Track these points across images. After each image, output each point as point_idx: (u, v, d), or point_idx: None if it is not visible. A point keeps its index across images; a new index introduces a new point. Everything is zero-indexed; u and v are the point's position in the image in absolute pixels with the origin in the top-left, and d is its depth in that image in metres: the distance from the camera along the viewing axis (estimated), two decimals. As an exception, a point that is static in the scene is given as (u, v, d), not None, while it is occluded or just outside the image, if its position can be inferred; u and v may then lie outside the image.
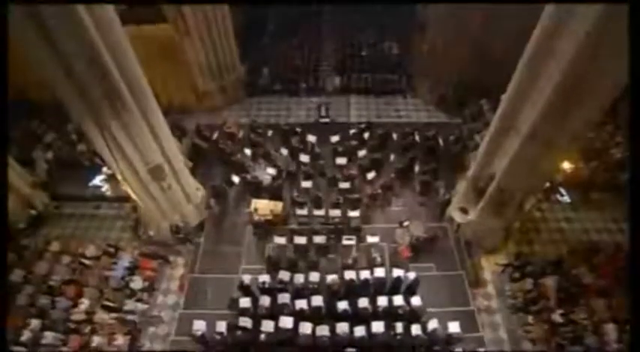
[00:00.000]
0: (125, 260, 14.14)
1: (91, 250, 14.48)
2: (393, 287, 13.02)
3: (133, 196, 13.11)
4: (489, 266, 14.16)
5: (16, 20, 7.93)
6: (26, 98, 18.48)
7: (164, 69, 17.34)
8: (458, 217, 14.44)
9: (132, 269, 14.02)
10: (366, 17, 25.50)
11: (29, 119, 18.52)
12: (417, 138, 17.78)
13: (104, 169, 14.74)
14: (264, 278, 13.04)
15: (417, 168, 16.58)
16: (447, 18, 16.60)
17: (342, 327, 11.83)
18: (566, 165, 14.01)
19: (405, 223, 14.66)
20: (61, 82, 9.23)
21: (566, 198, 16.07)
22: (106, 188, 15.71)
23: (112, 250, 14.53)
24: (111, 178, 14.99)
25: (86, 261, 14.23)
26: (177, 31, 16.40)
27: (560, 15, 8.44)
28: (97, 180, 16.12)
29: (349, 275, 13.02)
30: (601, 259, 13.65)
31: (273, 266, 13.77)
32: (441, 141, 17.71)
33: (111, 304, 13.09)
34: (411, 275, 12.88)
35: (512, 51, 10.55)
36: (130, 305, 13.21)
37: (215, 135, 18.20)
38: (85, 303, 13.07)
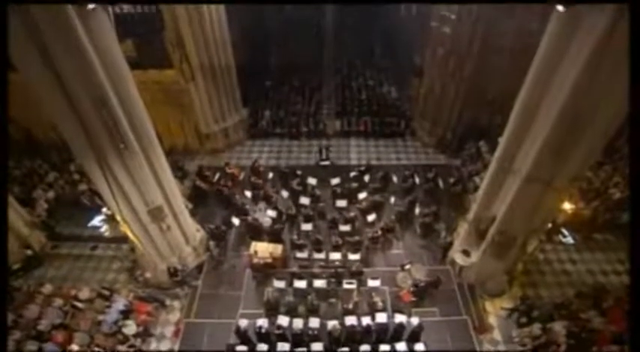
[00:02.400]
0: (120, 303, 13.72)
1: (84, 293, 14.09)
2: (396, 333, 12.58)
3: (132, 237, 12.97)
4: (494, 311, 13.74)
5: (27, 60, 8.27)
6: (32, 138, 18.89)
7: (168, 111, 17.84)
8: (460, 260, 14.21)
9: (126, 313, 13.55)
10: (365, 61, 26.52)
11: (33, 159, 18.77)
12: (416, 180, 17.92)
13: (104, 210, 14.70)
14: (262, 322, 12.63)
15: (417, 211, 16.56)
16: (443, 61, 17.26)
17: (344, 376, 11.32)
18: (567, 206, 13.98)
19: (407, 266, 14.42)
20: (66, 122, 9.44)
21: (569, 240, 15.91)
22: (104, 228, 15.61)
23: (106, 293, 14.14)
24: (110, 219, 14.91)
25: (79, 304, 13.79)
26: (182, 76, 17.00)
27: (554, 56, 8.79)
28: (96, 221, 16.05)
29: (350, 320, 12.66)
30: (610, 303, 13.26)
31: (271, 311, 13.39)
32: (440, 183, 17.85)
33: (101, 350, 12.55)
34: (414, 320, 12.49)
35: (508, 93, 10.89)
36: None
37: (216, 177, 18.31)
38: (74, 349, 12.52)
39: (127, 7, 14.39)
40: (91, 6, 8.30)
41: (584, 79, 8.13)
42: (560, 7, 8.03)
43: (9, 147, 11.29)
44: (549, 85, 9.18)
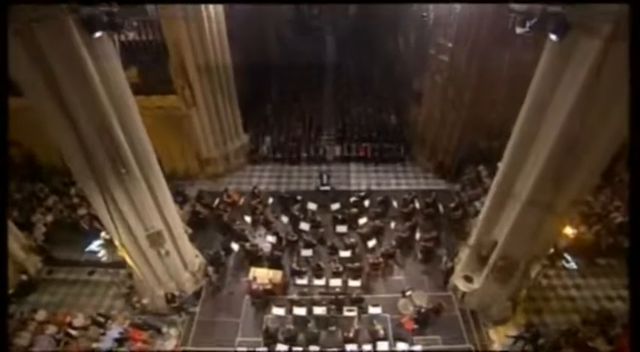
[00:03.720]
0: (115, 330, 13.39)
1: (79, 319, 13.79)
2: (398, 362, 12.26)
3: (130, 262, 12.83)
4: (499, 339, 13.38)
5: (33, 84, 8.44)
6: (34, 162, 19.02)
7: (169, 136, 18.00)
8: (462, 286, 14.01)
9: (121, 341, 13.23)
10: (364, 88, 26.96)
11: (33, 182, 18.81)
12: (417, 205, 17.88)
13: (103, 234, 14.58)
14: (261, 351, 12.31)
15: (418, 236, 16.45)
16: (442, 88, 17.57)
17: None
18: (569, 231, 13.90)
19: (408, 293, 14.20)
20: (69, 146, 9.52)
21: (573, 265, 15.72)
22: (102, 253, 15.43)
23: (101, 319, 13.83)
24: (108, 243, 14.77)
25: (73, 332, 13.46)
26: (184, 102, 17.26)
27: (549, 83, 8.96)
28: (94, 246, 15.88)
29: (351, 349, 12.39)
30: (617, 330, 12.96)
31: (270, 339, 13.08)
32: (441, 208, 17.81)
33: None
34: (417, 349, 12.17)
35: (506, 117, 11.03)
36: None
37: (216, 202, 18.28)
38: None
39: (132, 35, 14.77)
40: (97, 34, 8.52)
41: (580, 105, 8.28)
42: (553, 37, 8.25)
43: (9, 168, 11.24)
44: (546, 111, 9.32)
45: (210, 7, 16.09)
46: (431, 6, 18.11)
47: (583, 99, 8.16)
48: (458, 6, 15.38)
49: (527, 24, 8.45)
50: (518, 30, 8.75)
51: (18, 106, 8.84)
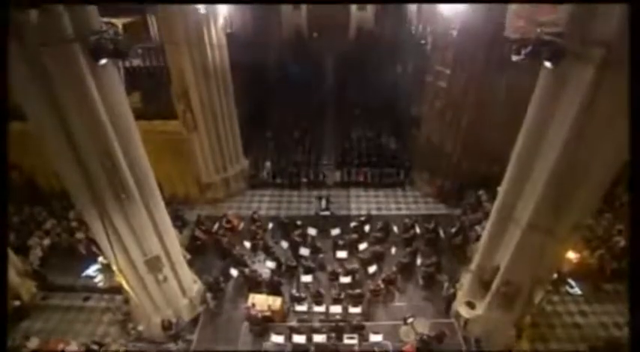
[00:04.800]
0: (109, 359, 13.09)
1: (72, 347, 13.47)
2: (401, 393, 11.89)
3: (127, 288, 12.64)
4: (504, 369, 13.06)
5: (37, 109, 8.58)
6: (34, 186, 19.09)
7: (170, 161, 18.08)
8: (465, 312, 13.74)
9: (115, 371, 12.90)
10: (364, 113, 27.27)
11: (33, 206, 18.77)
12: (417, 230, 17.78)
13: (100, 259, 14.44)
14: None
15: (419, 261, 16.27)
16: (441, 113, 17.80)
17: None
18: (572, 255, 13.76)
19: (410, 320, 13.89)
20: (69, 169, 9.57)
21: (577, 290, 15.47)
22: (99, 279, 15.25)
23: (95, 347, 13.48)
24: (106, 268, 14.61)
25: (66, 361, 13.16)
26: (185, 126, 17.44)
27: (545, 108, 9.10)
28: (91, 270, 15.70)
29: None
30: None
31: (269, 368, 12.74)
32: (441, 233, 17.69)
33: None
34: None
35: (505, 141, 11.12)
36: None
37: (215, 227, 18.18)
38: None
39: (136, 62, 15.13)
40: (102, 61, 8.72)
41: (577, 130, 8.40)
42: (548, 64, 8.45)
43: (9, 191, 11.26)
44: (544, 136, 9.42)
45: (213, 33, 16.55)
46: (429, 32, 18.60)
47: (580, 124, 8.28)
48: (455, 32, 15.81)
49: (523, 52, 8.65)
50: (514, 57, 8.95)
51: (20, 130, 8.96)
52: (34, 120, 8.82)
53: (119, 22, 17.15)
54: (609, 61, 7.40)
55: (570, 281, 15.61)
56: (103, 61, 8.76)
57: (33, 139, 9.06)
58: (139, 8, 17.90)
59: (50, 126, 8.80)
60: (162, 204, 12.24)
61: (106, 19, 9.50)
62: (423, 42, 20.21)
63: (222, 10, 16.64)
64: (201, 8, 15.11)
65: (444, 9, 15.67)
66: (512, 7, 13.70)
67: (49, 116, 8.64)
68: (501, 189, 11.32)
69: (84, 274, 16.17)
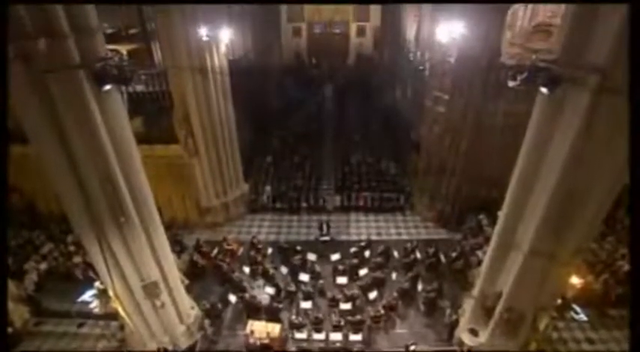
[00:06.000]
0: (103, 389, 12.70)
1: (65, 377, 13.12)
2: None
3: (123, 314, 12.39)
4: (509, 399, 12.63)
5: (40, 132, 8.67)
6: (34, 210, 19.01)
7: (170, 185, 18.13)
8: (468, 340, 13.42)
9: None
10: (364, 138, 27.51)
11: (32, 230, 18.65)
12: (418, 255, 17.61)
13: (96, 284, 14.20)
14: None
15: (420, 287, 16.04)
16: (440, 138, 17.96)
17: None
18: (576, 280, 13.56)
19: (412, 347, 13.57)
20: (69, 193, 9.56)
21: (582, 316, 15.12)
22: (94, 304, 14.96)
23: (89, 377, 13.16)
24: (102, 294, 14.35)
25: (58, 391, 12.76)
26: (186, 151, 17.55)
27: (544, 131, 9.18)
28: (87, 296, 15.42)
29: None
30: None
31: (267, 399, 12.35)
32: (442, 258, 17.51)
33: None
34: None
35: (504, 166, 11.18)
36: None
37: (214, 252, 18.01)
38: None
39: (139, 87, 15.37)
40: (106, 87, 8.88)
41: (575, 153, 8.45)
42: (544, 90, 8.59)
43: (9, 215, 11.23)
44: (542, 160, 9.47)
45: (216, 59, 16.89)
46: (427, 58, 18.99)
47: (578, 148, 8.35)
48: (452, 59, 16.15)
49: (519, 78, 8.82)
50: (510, 83, 9.12)
51: (21, 153, 9.00)
52: (35, 143, 8.90)
53: (124, 48, 17.56)
54: (605, 86, 7.53)
55: (575, 306, 15.31)
56: (107, 87, 8.92)
57: (34, 162, 9.10)
58: (144, 37, 18.37)
59: (52, 149, 8.86)
60: (161, 228, 12.16)
61: (111, 46, 9.73)
62: (421, 68, 20.60)
63: (225, 37, 17.04)
64: (204, 36, 15.49)
65: (442, 36, 16.05)
66: (507, 35, 14.09)
67: (51, 139, 8.71)
68: (502, 214, 11.28)
69: (80, 299, 15.85)
